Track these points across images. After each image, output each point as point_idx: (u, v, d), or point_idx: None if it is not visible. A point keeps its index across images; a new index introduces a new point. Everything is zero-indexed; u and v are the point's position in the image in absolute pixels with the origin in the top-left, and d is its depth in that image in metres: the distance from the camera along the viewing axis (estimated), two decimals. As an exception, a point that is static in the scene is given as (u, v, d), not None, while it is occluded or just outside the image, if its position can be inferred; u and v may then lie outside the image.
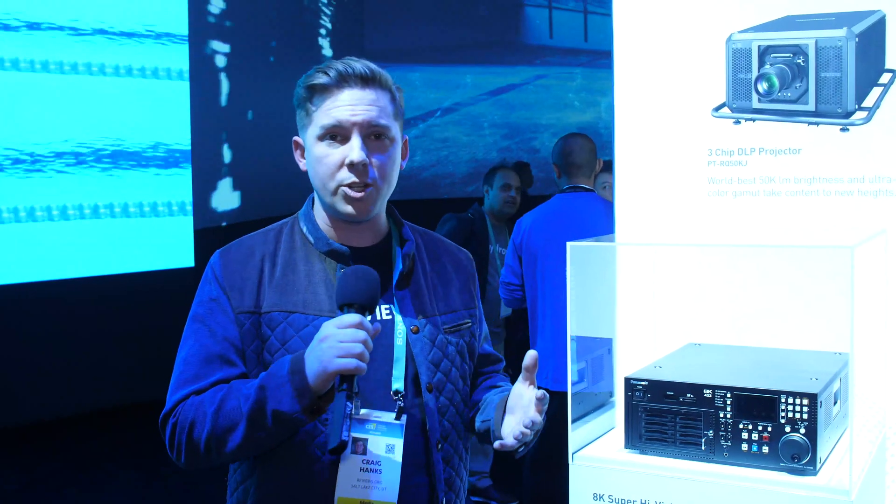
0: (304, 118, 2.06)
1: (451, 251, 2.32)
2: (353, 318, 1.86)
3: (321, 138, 2.00)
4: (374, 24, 11.03)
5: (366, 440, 1.98)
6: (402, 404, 2.02)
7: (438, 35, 11.05)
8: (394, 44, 10.80)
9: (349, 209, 2.01)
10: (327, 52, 10.60)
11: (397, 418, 2.00)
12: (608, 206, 4.75)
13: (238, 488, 2.04)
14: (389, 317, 2.08)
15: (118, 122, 7.96)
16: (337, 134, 1.99)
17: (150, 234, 8.25)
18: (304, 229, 2.09)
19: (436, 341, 2.12)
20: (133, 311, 7.88)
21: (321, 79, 2.02)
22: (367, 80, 2.03)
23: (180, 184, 8.39)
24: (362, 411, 1.96)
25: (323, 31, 10.58)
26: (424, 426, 2.08)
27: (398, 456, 2.02)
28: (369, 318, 1.88)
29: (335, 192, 2.01)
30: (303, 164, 2.10)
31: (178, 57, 8.32)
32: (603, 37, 10.92)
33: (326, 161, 2.00)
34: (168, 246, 8.27)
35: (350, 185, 1.99)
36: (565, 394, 4.51)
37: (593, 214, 4.72)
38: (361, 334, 1.83)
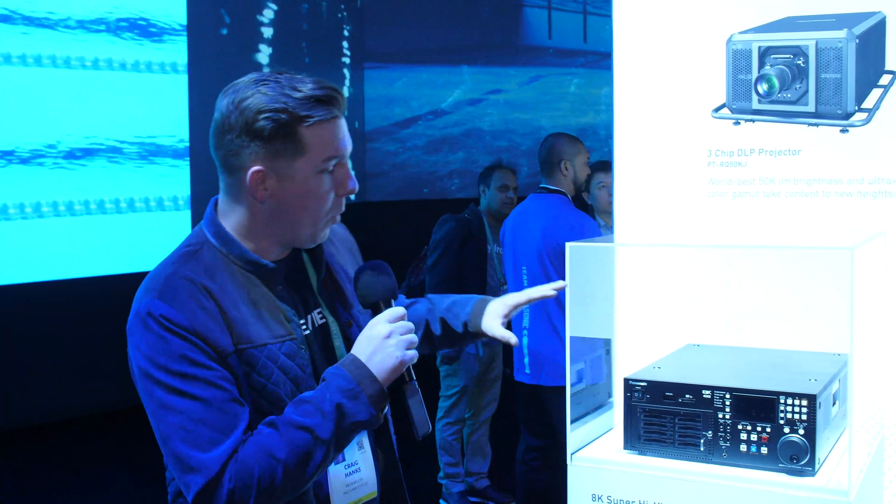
0: (290, 150, 1.87)
1: (333, 229, 2.28)
2: (400, 310, 1.94)
3: (321, 171, 1.91)
4: (374, 24, 11.03)
5: None
6: None
7: (438, 36, 11.05)
8: (394, 45, 10.81)
9: (326, 235, 2.00)
10: (325, 51, 10.58)
11: None
12: (572, 208, 4.84)
13: None
14: (323, 321, 2.07)
15: (113, 118, 7.95)
16: (334, 167, 1.93)
17: (146, 232, 8.24)
18: (225, 251, 1.93)
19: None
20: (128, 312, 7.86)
21: (319, 109, 1.88)
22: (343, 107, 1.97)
23: (179, 178, 8.40)
24: None
25: (323, 31, 10.58)
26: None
27: (367, 449, 2.08)
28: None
29: (322, 224, 1.96)
30: (263, 195, 1.90)
31: (177, 51, 8.33)
32: (602, 38, 10.93)
33: (322, 192, 1.92)
34: (165, 245, 8.26)
35: (334, 217, 1.97)
36: (518, 384, 4.56)
37: (551, 216, 4.78)
38: (410, 324, 1.93)
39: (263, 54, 9.54)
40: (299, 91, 1.87)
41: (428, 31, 11.04)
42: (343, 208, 1.98)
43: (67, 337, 7.61)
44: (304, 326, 2.00)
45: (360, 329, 2.09)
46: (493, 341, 5.60)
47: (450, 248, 5.48)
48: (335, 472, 1.99)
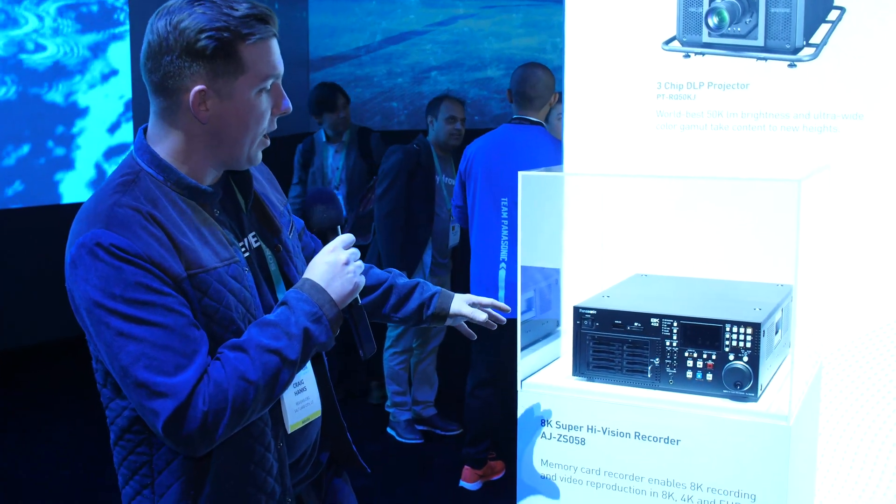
0: (231, 68, 1.85)
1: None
2: (351, 237, 2.00)
3: (261, 91, 1.89)
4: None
5: None
6: None
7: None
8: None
9: (260, 157, 2.01)
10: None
11: None
12: (550, 139, 4.76)
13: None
14: (258, 244, 2.09)
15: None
16: (271, 86, 1.92)
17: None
18: (162, 179, 1.90)
19: (294, 250, 2.17)
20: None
21: (259, 27, 1.87)
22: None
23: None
24: None
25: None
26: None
27: (311, 370, 2.15)
28: None
29: (258, 143, 1.95)
30: (204, 115, 1.88)
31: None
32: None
33: (261, 111, 1.91)
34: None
35: (266, 136, 1.97)
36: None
37: (536, 147, 4.74)
38: (357, 251, 2.00)
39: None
40: (236, 10, 1.85)
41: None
42: (276, 127, 1.98)
43: (9, 266, 7.52)
44: (243, 249, 2.01)
45: (289, 253, 2.13)
46: (440, 271, 5.66)
47: (398, 178, 5.47)
48: (286, 391, 2.03)
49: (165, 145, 1.92)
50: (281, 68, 1.93)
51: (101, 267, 1.76)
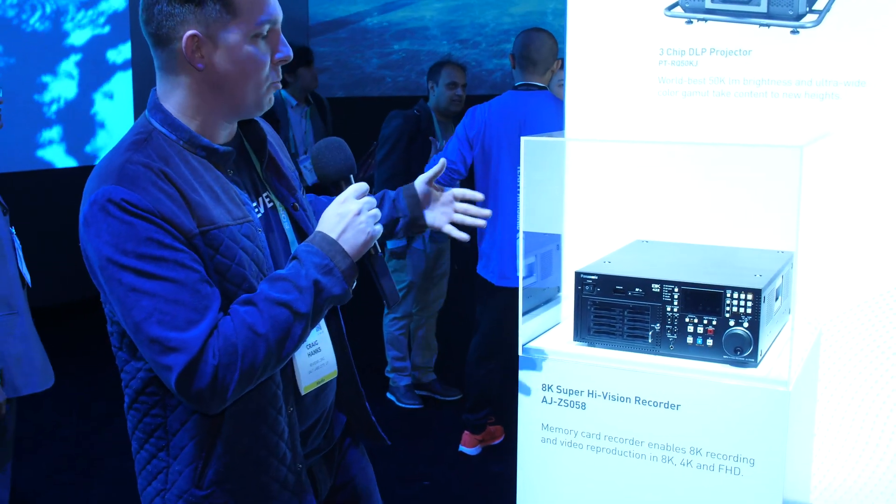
0: (222, 15, 1.83)
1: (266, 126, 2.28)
2: (363, 186, 1.96)
3: (254, 38, 1.87)
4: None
5: None
6: None
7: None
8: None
9: (270, 104, 1.98)
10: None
11: None
12: (560, 104, 4.74)
13: (195, 414, 1.92)
14: (272, 203, 2.08)
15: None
16: (268, 32, 1.89)
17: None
18: (175, 138, 1.90)
19: (308, 211, 2.16)
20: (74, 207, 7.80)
21: None
22: None
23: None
24: None
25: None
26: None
27: (324, 329, 2.13)
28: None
29: (264, 92, 1.92)
30: (200, 62, 1.86)
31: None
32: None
33: (262, 60, 1.88)
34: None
35: (274, 83, 1.95)
36: (510, 289, 4.52)
37: (545, 112, 4.72)
38: (373, 199, 1.96)
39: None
40: None
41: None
42: (280, 75, 1.96)
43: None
44: (257, 209, 2.01)
45: (306, 212, 2.11)
46: (440, 237, 5.66)
47: (398, 143, 5.47)
48: (299, 352, 2.03)
49: (173, 101, 1.92)
50: (276, 13, 1.89)
51: (113, 223, 1.75)
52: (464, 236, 2.39)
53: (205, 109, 1.92)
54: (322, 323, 2.09)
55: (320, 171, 2.01)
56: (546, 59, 4.84)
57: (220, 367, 1.75)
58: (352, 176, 2.01)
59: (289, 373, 2.01)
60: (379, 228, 1.93)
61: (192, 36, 1.84)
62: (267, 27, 1.88)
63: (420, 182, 2.41)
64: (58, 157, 7.93)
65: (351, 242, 1.89)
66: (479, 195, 2.42)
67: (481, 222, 2.40)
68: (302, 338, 1.84)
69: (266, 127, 2.16)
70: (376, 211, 1.94)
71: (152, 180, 1.79)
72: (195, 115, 1.92)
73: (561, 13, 2.95)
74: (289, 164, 2.19)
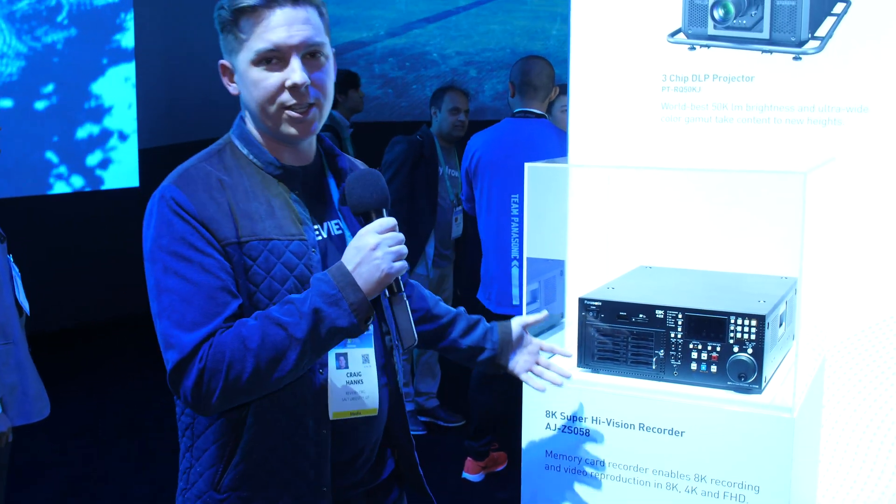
0: (233, 43, 1.94)
1: (358, 164, 2.30)
2: (390, 221, 1.91)
3: (256, 63, 1.92)
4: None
5: (346, 354, 2.02)
6: None
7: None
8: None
9: (293, 131, 1.97)
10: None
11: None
12: (559, 133, 4.75)
13: (217, 422, 1.97)
14: (340, 232, 2.09)
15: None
16: (273, 58, 1.92)
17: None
18: (247, 152, 2.01)
19: None
20: (74, 231, 7.82)
21: (249, 0, 1.91)
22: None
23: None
24: None
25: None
26: (381, 330, 2.12)
27: (372, 364, 2.08)
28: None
29: (278, 116, 1.95)
30: (233, 89, 2.01)
31: None
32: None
33: (265, 85, 1.93)
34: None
35: (292, 108, 1.96)
36: (508, 316, 4.52)
37: (542, 140, 4.72)
38: (401, 235, 1.91)
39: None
40: None
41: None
42: (305, 105, 1.95)
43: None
44: (317, 231, 2.02)
45: None
46: (443, 262, 5.65)
47: (401, 169, 5.47)
48: (336, 375, 2.00)
49: (246, 119, 2.04)
50: (281, 41, 1.91)
51: (160, 218, 1.88)
52: (540, 387, 2.28)
53: (260, 130, 2.02)
54: (371, 358, 2.07)
55: (349, 202, 1.98)
56: (546, 86, 4.85)
57: (205, 371, 1.80)
58: (384, 210, 1.96)
59: (321, 394, 1.99)
60: (399, 266, 1.87)
61: (222, 64, 1.99)
62: (271, 53, 1.91)
63: (516, 324, 2.32)
64: (57, 181, 7.94)
65: (365, 277, 1.86)
66: (567, 353, 2.33)
67: (559, 381, 2.26)
68: (299, 364, 1.83)
69: (357, 163, 2.23)
70: (399, 248, 1.89)
71: (206, 186, 1.91)
72: (258, 133, 2.03)
73: (564, 39, 2.96)
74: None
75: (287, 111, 1.95)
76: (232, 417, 1.95)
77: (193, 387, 1.81)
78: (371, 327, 2.00)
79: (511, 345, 2.30)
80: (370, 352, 2.05)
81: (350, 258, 1.87)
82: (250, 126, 2.04)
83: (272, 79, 1.92)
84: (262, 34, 1.91)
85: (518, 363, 2.30)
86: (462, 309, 2.38)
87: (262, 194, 1.96)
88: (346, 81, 6.44)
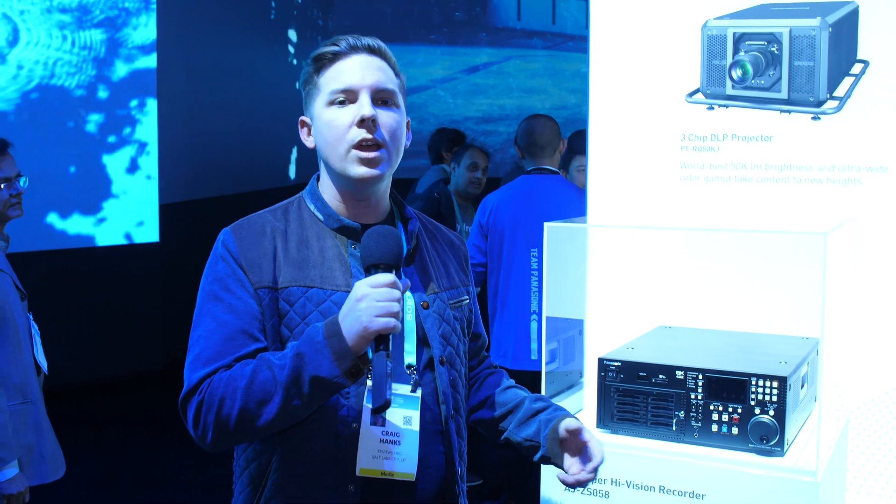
0: (312, 91, 2.03)
1: (444, 231, 2.31)
2: (387, 277, 1.86)
3: (330, 104, 1.99)
4: (340, 1, 11.01)
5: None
6: (416, 377, 2.02)
7: (403, 15, 11.04)
8: (358, 22, 10.76)
9: (361, 171, 1.97)
10: (291, 30, 10.54)
11: (413, 391, 1.99)
12: (573, 188, 4.76)
13: (250, 465, 1.99)
14: None
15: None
16: (346, 98, 1.98)
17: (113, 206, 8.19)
18: (312, 207, 2.07)
19: (444, 316, 2.11)
20: (95, 286, 7.86)
21: (329, 48, 2.02)
22: (373, 50, 2.05)
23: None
24: None
25: (287, 8, 10.53)
26: (438, 398, 2.07)
27: (416, 427, 2.00)
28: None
29: (346, 155, 1.97)
30: (310, 142, 2.08)
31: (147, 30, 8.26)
32: (570, 20, 10.95)
33: (336, 124, 1.97)
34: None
35: (361, 146, 1.97)
36: (527, 372, 4.45)
37: (558, 196, 4.73)
38: (396, 293, 1.84)
39: (225, 31, 9.48)
40: (332, 40, 2.03)
41: (393, 9, 11.04)
42: (374, 143, 1.97)
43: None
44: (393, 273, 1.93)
45: (436, 312, 2.09)
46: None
47: (419, 227, 5.48)
48: (370, 430, 1.94)
49: (321, 177, 2.11)
50: (351, 81, 1.99)
51: (212, 258, 1.99)
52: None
53: (328, 184, 2.08)
54: (414, 422, 2.00)
55: (360, 255, 1.95)
56: (552, 142, 4.86)
57: (202, 405, 1.86)
58: (395, 267, 1.90)
59: (349, 448, 1.95)
60: (382, 323, 1.79)
61: (301, 119, 2.08)
62: (344, 94, 1.99)
63: (562, 427, 2.06)
64: (77, 236, 7.99)
65: (348, 327, 1.82)
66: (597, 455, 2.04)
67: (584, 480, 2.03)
68: (284, 408, 1.82)
69: (432, 227, 2.25)
70: (387, 305, 1.82)
71: (256, 233, 1.99)
72: (327, 189, 2.08)
73: (583, 99, 2.98)
74: (454, 273, 2.20)
75: (355, 150, 1.97)
76: (262, 462, 1.98)
77: (193, 418, 1.88)
78: (420, 391, 1.99)
79: (558, 442, 2.08)
80: (414, 415, 1.99)
81: (343, 307, 1.86)
82: (322, 184, 2.10)
83: (343, 116, 1.98)
84: (337, 77, 2.00)
85: (572, 467, 2.03)
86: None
87: (315, 244, 2.02)
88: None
